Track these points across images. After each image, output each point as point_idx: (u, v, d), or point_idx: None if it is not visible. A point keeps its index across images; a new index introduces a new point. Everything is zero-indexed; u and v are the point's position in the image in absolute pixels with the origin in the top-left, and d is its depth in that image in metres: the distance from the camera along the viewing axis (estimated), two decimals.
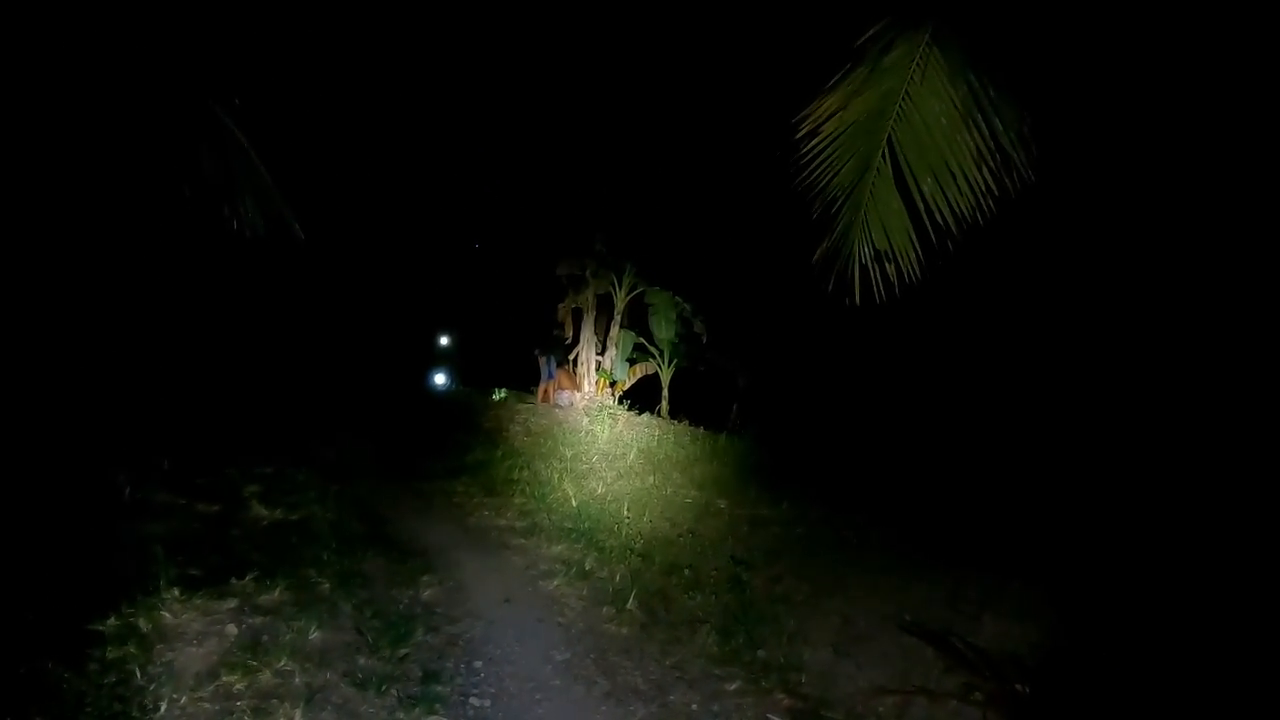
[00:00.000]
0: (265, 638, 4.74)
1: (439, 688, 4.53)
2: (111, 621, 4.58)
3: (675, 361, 16.81)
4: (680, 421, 14.80)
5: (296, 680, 4.32)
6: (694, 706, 4.66)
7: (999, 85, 3.88)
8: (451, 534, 7.75)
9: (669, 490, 9.89)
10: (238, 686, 4.17)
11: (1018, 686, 4.50)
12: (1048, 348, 9.82)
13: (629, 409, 15.12)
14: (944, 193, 3.99)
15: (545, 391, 16.16)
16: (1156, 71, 4.09)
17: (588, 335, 16.44)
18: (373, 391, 15.50)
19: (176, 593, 5.10)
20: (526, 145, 15.93)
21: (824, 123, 4.22)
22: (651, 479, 10.29)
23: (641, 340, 16.82)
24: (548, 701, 4.58)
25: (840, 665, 5.23)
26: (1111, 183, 5.58)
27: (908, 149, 4.05)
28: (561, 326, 16.78)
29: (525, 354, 17.01)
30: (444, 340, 23.93)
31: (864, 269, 4.23)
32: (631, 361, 16.93)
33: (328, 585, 5.73)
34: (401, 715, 4.18)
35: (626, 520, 8.21)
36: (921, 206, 4.05)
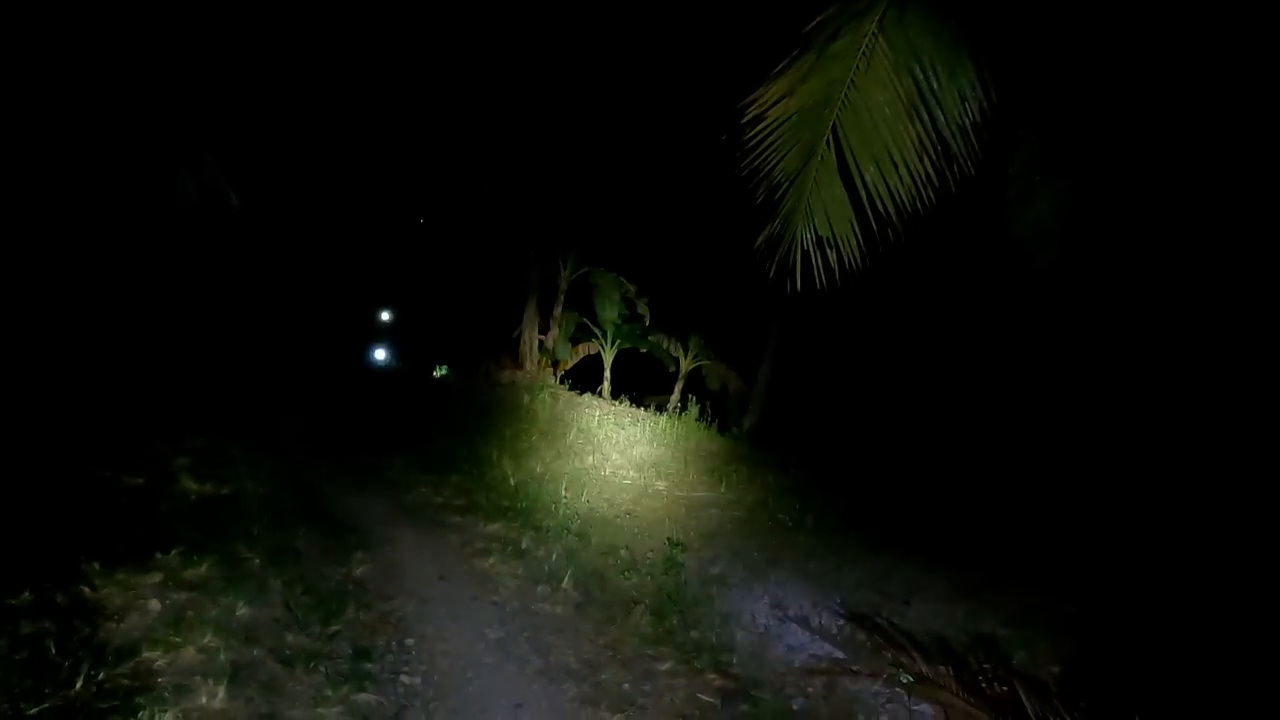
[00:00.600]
0: (190, 614, 4.62)
1: (369, 665, 4.48)
2: (26, 596, 4.42)
3: (618, 342, 16.81)
4: (622, 402, 14.81)
5: (221, 657, 4.23)
6: (626, 686, 4.68)
7: (943, 77, 3.93)
8: (387, 511, 7.67)
9: (608, 471, 9.90)
10: (159, 663, 4.07)
11: (943, 668, 4.61)
12: (1003, 334, 9.98)
13: (570, 389, 15.08)
14: (886, 182, 4.03)
15: (487, 370, 16.03)
16: (1109, 64, 4.17)
17: (530, 314, 16.34)
18: (312, 366, 15.23)
19: (97, 567, 4.94)
20: (471, 125, 15.67)
21: (770, 108, 4.22)
22: (590, 459, 10.28)
23: (585, 320, 16.78)
24: (479, 679, 4.56)
25: (771, 646, 5.31)
26: (1077, 177, 5.65)
27: (852, 137, 4.07)
28: (504, 306, 16.65)
29: (467, 332, 16.86)
30: (385, 316, 23.61)
31: (806, 255, 4.25)
32: (574, 341, 16.90)
33: (257, 561, 5.61)
34: (330, 693, 4.12)
35: (564, 500, 8.20)
36: (864, 195, 4.08)
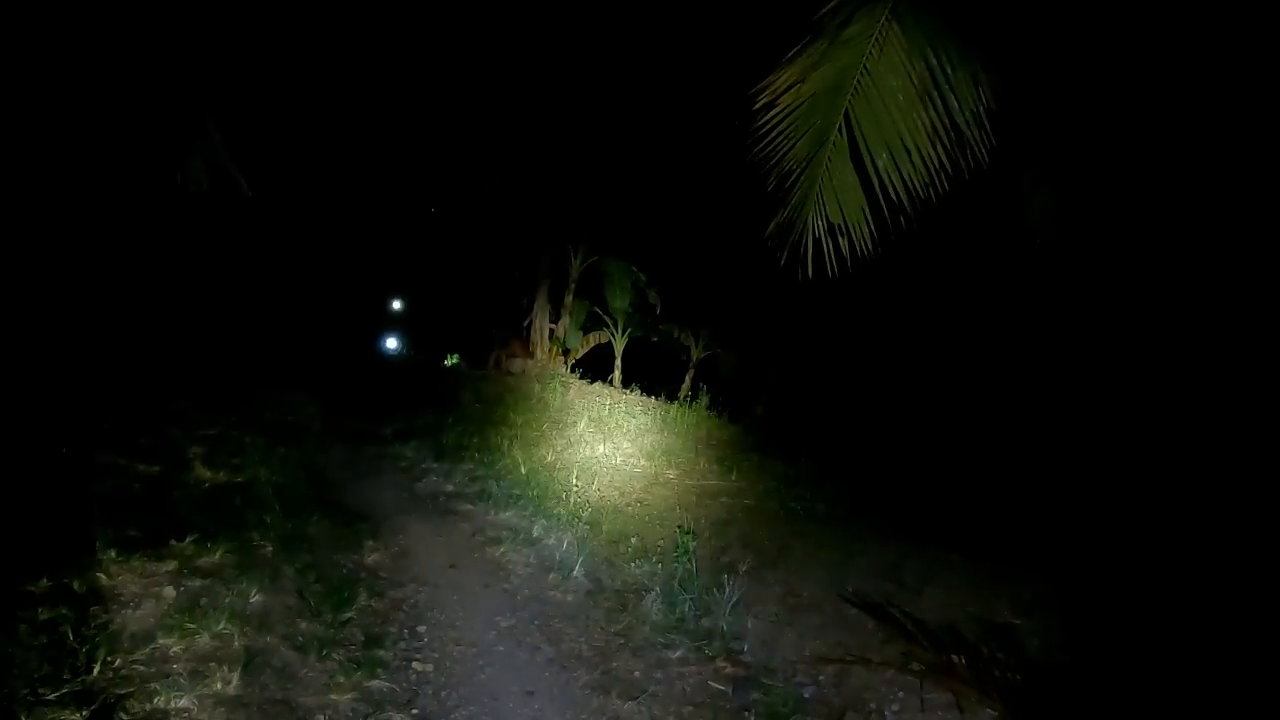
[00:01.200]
0: (204, 600, 4.65)
1: (381, 652, 4.51)
2: (44, 583, 4.45)
3: (629, 331, 16.81)
4: (632, 391, 14.82)
5: (235, 644, 4.26)
6: (636, 674, 4.70)
7: (957, 63, 3.90)
8: (399, 499, 7.70)
9: (619, 459, 9.92)
10: (174, 650, 4.10)
11: (954, 657, 4.60)
12: (1016, 328, 9.92)
13: (581, 377, 15.10)
14: (898, 168, 4.01)
15: (497, 358, 16.05)
16: (1122, 54, 4.13)
17: (541, 303, 16.33)
18: (324, 354, 15.27)
19: (113, 554, 4.97)
20: (483, 114, 15.63)
21: (781, 95, 4.20)
22: (601, 448, 10.30)
23: (596, 309, 16.77)
24: (490, 667, 4.58)
25: (782, 634, 5.31)
26: (1082, 167, 5.61)
27: (864, 124, 4.05)
28: (515, 294, 16.65)
29: (478, 321, 16.88)
30: (396, 305, 23.64)
31: (817, 242, 4.23)
32: (585, 330, 16.90)
33: (270, 548, 5.64)
34: (342, 679, 4.15)
35: (575, 488, 8.22)
36: (876, 182, 4.06)
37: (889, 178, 4.02)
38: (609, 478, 9.00)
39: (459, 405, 12.20)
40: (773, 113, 4.23)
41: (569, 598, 5.69)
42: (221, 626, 4.37)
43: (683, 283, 16.07)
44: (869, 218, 4.12)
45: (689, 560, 6.32)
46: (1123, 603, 5.62)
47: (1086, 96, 4.51)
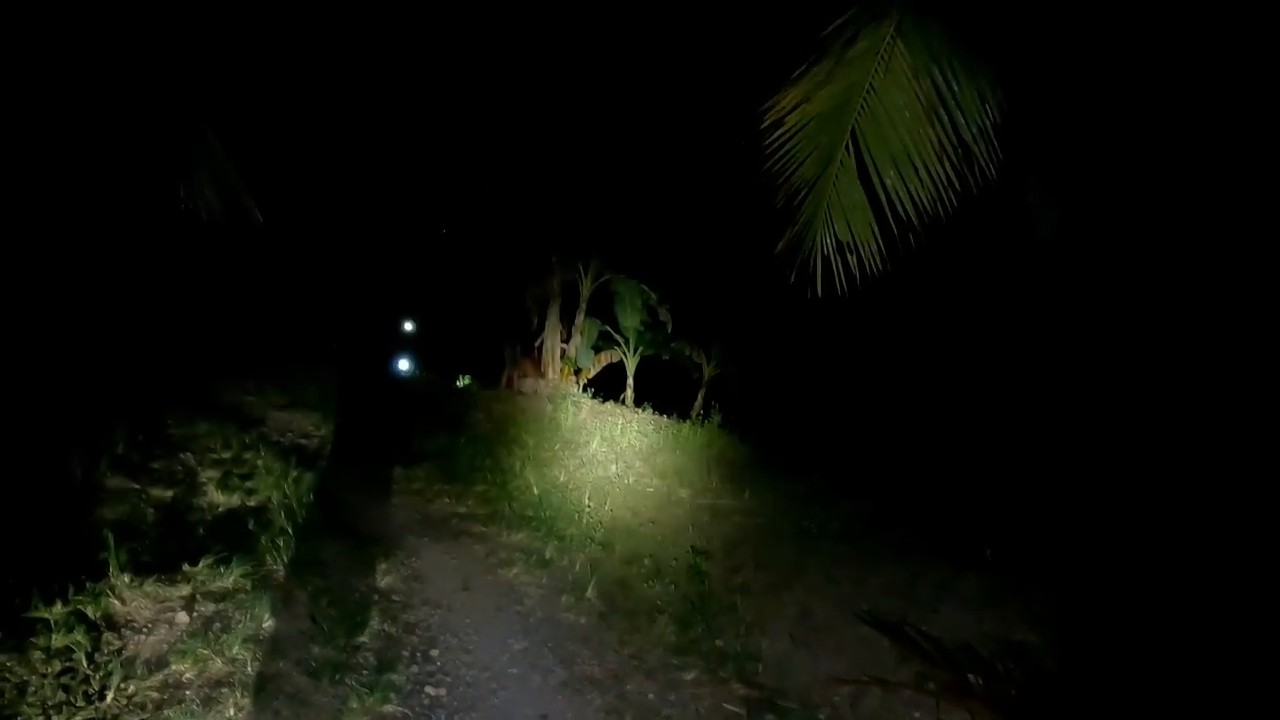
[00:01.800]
0: (217, 625, 4.65)
1: (394, 677, 4.49)
2: (58, 608, 4.45)
3: (641, 350, 16.81)
4: (644, 409, 14.79)
5: (248, 669, 4.26)
6: (650, 696, 4.67)
7: (963, 79, 3.90)
8: (411, 521, 7.69)
9: (631, 479, 9.89)
10: (187, 675, 4.10)
11: (971, 676, 4.56)
12: (1019, 340, 9.88)
13: (593, 397, 15.09)
14: (906, 185, 4.01)
15: (509, 379, 16.07)
16: (1128, 67, 4.12)
17: (552, 322, 16.34)
18: (334, 376, 15.31)
19: (126, 579, 4.97)
20: (494, 134, 15.74)
21: (788, 114, 4.22)
22: (614, 467, 10.28)
23: (607, 328, 16.79)
24: (504, 690, 4.56)
25: (796, 655, 5.27)
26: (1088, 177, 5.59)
27: (871, 142, 4.06)
28: (526, 314, 16.68)
29: (489, 341, 16.92)
30: (407, 326, 23.71)
31: (826, 260, 4.24)
32: (597, 349, 16.91)
33: (283, 572, 5.65)
34: (355, 705, 4.14)
35: (588, 509, 8.20)
36: (884, 199, 4.07)
37: (897, 195, 4.03)
38: (621, 498, 8.98)
39: (471, 426, 12.20)
40: (779, 132, 4.25)
41: (582, 619, 5.67)
42: (235, 651, 4.37)
43: (694, 301, 16.07)
44: (877, 235, 4.12)
45: (702, 580, 6.30)
46: (1135, 616, 5.55)
47: (1093, 109, 4.51)
